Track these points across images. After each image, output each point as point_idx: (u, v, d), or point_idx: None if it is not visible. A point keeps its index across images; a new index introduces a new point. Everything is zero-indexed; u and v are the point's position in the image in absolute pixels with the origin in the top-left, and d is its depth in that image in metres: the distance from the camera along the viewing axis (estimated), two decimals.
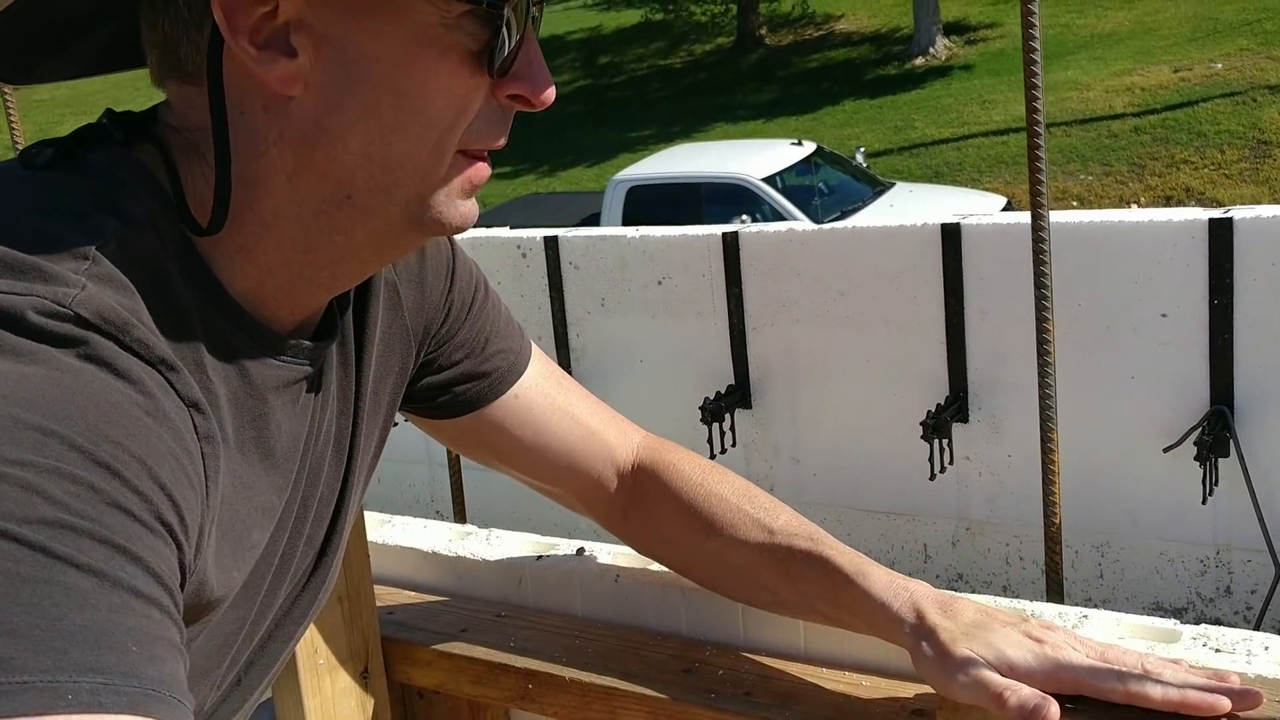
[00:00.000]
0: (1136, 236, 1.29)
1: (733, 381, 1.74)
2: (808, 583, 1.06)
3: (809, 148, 10.93)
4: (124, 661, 0.55)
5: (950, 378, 1.45)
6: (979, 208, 10.10)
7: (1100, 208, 12.45)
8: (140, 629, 0.56)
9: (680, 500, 1.14)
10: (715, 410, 1.81)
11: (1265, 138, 12.81)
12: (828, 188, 10.65)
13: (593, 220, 10.66)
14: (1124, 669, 0.92)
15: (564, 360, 1.51)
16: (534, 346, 1.12)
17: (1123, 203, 12.47)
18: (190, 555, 0.65)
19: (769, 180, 10.20)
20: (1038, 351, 1.16)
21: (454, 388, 1.05)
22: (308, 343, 0.82)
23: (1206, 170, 12.59)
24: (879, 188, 10.74)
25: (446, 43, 0.72)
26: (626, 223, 10.40)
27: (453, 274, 1.02)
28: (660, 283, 1.71)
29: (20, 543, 0.54)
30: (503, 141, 0.78)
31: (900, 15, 20.14)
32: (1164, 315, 1.36)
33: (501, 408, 1.07)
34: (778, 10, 21.31)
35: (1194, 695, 0.89)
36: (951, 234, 1.44)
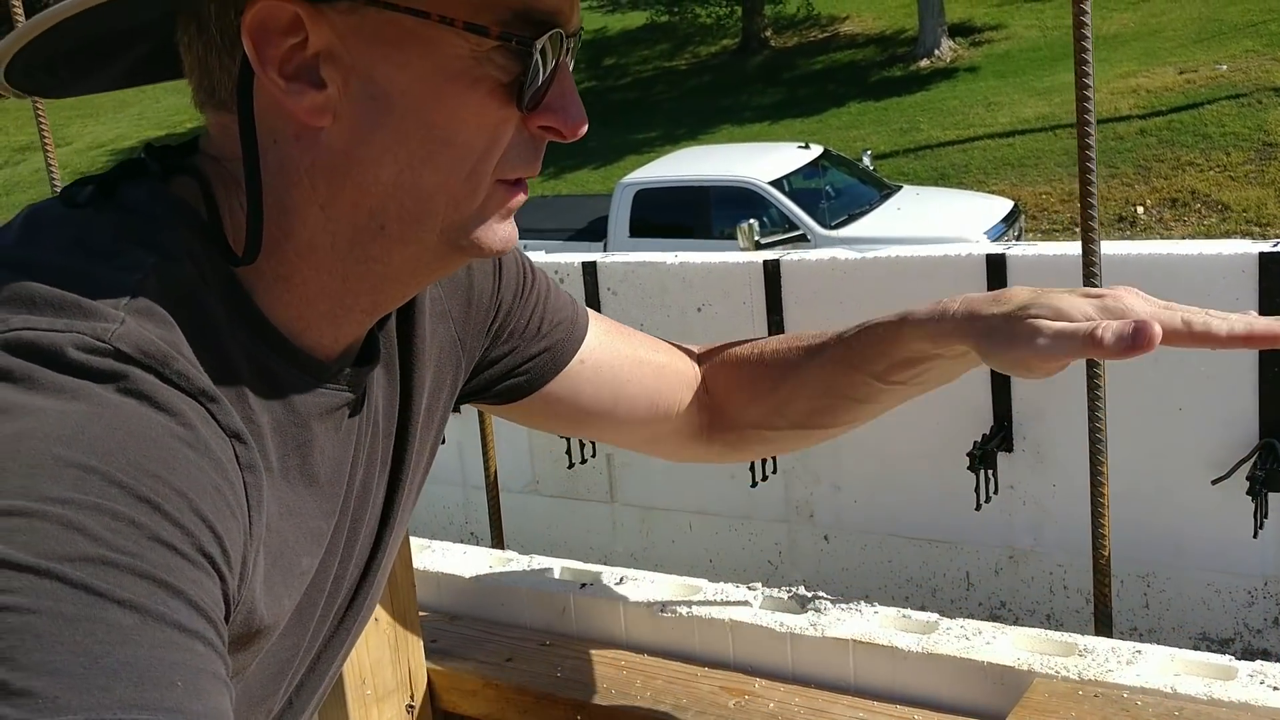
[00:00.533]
0: (1185, 268, 1.28)
1: None
2: (870, 359, 1.03)
3: (816, 151, 10.93)
4: (168, 697, 0.55)
5: (995, 407, 1.44)
6: (987, 210, 10.10)
7: (1107, 209, 12.44)
8: (184, 663, 0.57)
9: (742, 376, 1.14)
10: None
11: (1271, 140, 12.80)
12: (835, 191, 10.65)
13: (600, 223, 10.67)
14: (1187, 312, 0.86)
15: None
16: (588, 309, 1.12)
17: (1129, 205, 12.45)
18: (234, 586, 0.65)
19: (776, 184, 10.21)
20: (1088, 384, 1.16)
21: (515, 372, 1.05)
22: (350, 369, 0.82)
23: (1212, 173, 12.58)
24: (886, 191, 10.74)
25: (476, 75, 0.71)
26: (634, 226, 10.40)
27: (499, 273, 1.02)
28: (700, 310, 1.68)
29: (62, 581, 0.55)
30: (536, 170, 0.78)
31: (905, 17, 20.12)
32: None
33: (570, 377, 1.07)
34: (783, 12, 21.29)
35: (1260, 324, 0.84)
36: (996, 264, 1.42)
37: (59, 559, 0.55)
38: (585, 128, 0.77)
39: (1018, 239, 10.12)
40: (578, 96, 0.76)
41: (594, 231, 10.69)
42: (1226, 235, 11.62)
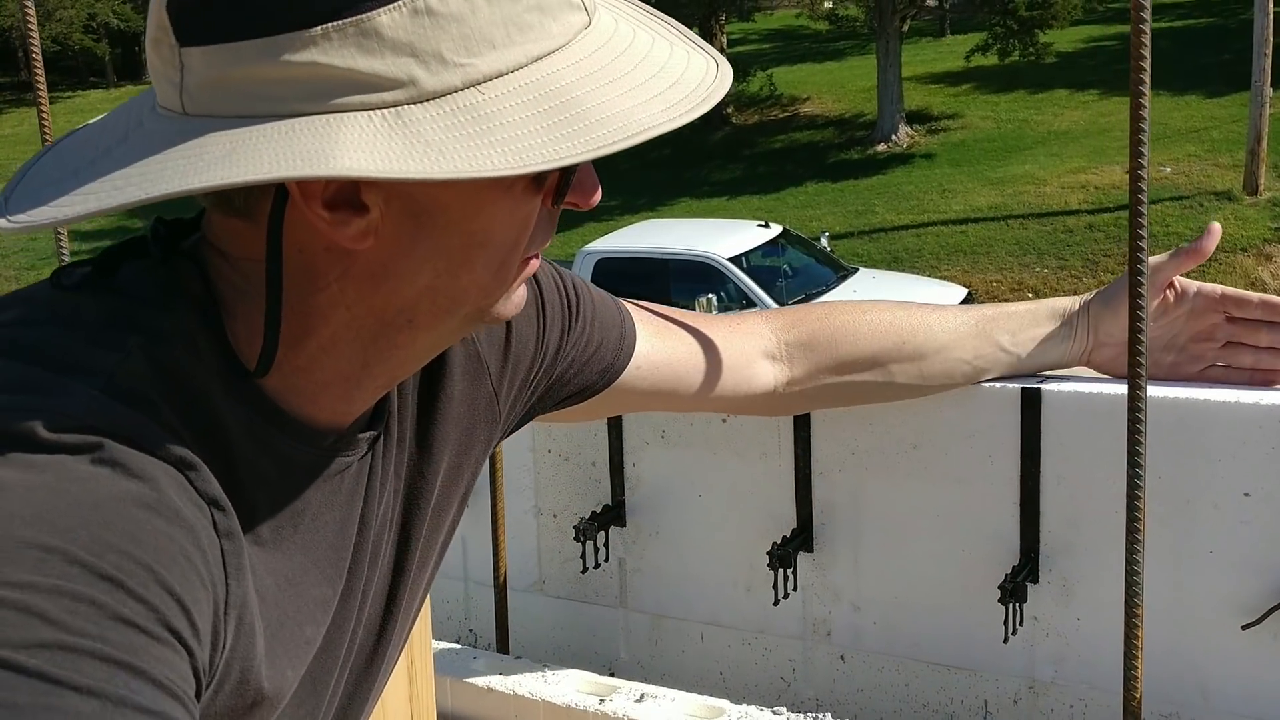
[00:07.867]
0: (1222, 414, 1.32)
1: (795, 526, 1.75)
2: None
3: (775, 230, 11.12)
4: None
5: (1022, 539, 1.46)
6: (941, 297, 10.30)
7: None
8: None
9: (840, 355, 1.39)
10: (783, 556, 1.78)
11: None
12: (792, 270, 10.82)
13: None
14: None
15: (618, 488, 1.55)
16: (630, 309, 1.17)
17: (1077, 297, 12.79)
18: (204, 658, 0.64)
19: (735, 260, 10.35)
20: (1127, 528, 1.19)
21: (569, 395, 1.08)
22: (356, 434, 0.81)
23: None
24: (843, 272, 10.92)
25: (512, 178, 0.71)
26: None
27: (542, 316, 1.02)
28: (724, 420, 1.67)
29: (17, 670, 0.53)
30: (550, 241, 0.80)
31: (864, 102, 20.62)
32: (1246, 494, 1.38)
33: (625, 381, 1.13)
34: (745, 90, 21.72)
35: None
36: (1031, 397, 1.45)
37: (14, 647, 0.54)
38: (600, 196, 0.79)
39: None
40: (593, 169, 0.78)
41: None
42: None
